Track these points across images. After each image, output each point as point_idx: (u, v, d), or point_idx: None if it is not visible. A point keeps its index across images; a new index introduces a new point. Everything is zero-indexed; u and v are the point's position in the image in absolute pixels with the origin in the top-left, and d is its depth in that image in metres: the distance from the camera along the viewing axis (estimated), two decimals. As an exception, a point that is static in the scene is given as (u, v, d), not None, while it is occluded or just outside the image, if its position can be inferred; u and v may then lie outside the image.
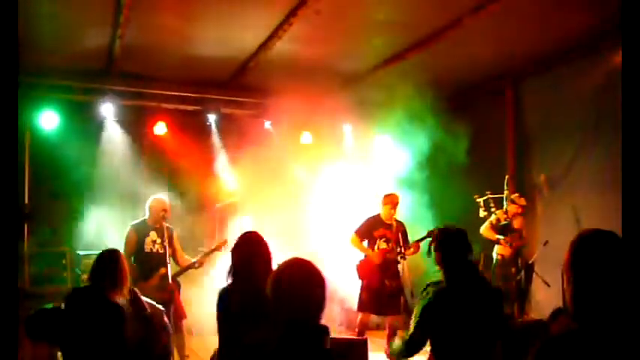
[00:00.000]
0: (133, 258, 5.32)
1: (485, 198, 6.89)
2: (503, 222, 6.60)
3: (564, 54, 6.60)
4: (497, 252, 6.58)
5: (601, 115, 6.34)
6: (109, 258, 3.61)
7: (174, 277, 5.27)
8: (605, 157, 6.25)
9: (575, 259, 1.67)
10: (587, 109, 6.52)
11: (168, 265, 5.11)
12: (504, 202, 6.75)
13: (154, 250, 5.34)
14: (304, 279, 1.98)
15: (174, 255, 5.41)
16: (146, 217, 5.46)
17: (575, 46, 6.37)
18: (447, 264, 3.15)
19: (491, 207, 6.80)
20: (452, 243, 3.16)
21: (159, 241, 5.35)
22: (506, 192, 6.85)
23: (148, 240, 5.36)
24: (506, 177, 7.08)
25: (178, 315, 5.25)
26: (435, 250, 3.22)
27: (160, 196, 5.54)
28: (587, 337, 1.57)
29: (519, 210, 6.58)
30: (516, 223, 6.58)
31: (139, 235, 5.37)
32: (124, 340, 3.34)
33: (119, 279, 3.55)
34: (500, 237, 6.52)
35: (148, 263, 5.28)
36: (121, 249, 5.36)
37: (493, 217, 6.66)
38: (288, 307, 1.94)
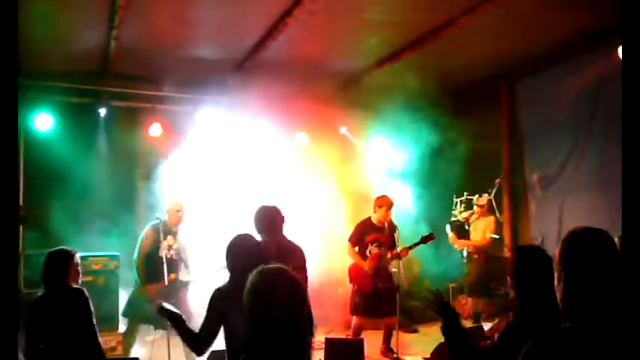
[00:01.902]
0: (145, 258, 5.35)
1: (462, 199, 7.14)
2: (463, 222, 7.13)
3: (559, 53, 6.64)
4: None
5: (595, 114, 6.38)
6: (60, 257, 3.61)
7: (185, 283, 5.36)
8: (598, 155, 6.29)
9: (566, 257, 1.67)
10: (581, 108, 6.56)
11: (180, 272, 5.20)
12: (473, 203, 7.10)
13: (168, 256, 5.35)
14: (277, 291, 1.91)
15: (186, 261, 5.52)
16: (165, 219, 5.48)
17: (569, 45, 6.41)
18: (522, 293, 2.57)
19: (460, 209, 7.13)
20: (530, 268, 2.56)
21: (175, 246, 5.39)
22: (486, 195, 7.03)
23: (164, 244, 5.37)
24: (497, 180, 7.25)
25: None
26: (511, 278, 2.62)
27: (175, 199, 5.61)
28: (578, 335, 1.57)
29: (478, 210, 6.98)
30: (472, 223, 7.10)
31: (155, 237, 5.37)
32: (92, 323, 3.47)
33: (72, 278, 3.58)
34: (450, 233, 7.12)
35: (160, 267, 5.27)
36: (119, 250, 5.41)
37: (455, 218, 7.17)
38: (261, 318, 1.89)
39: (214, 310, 3.13)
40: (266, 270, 1.99)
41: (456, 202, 7.41)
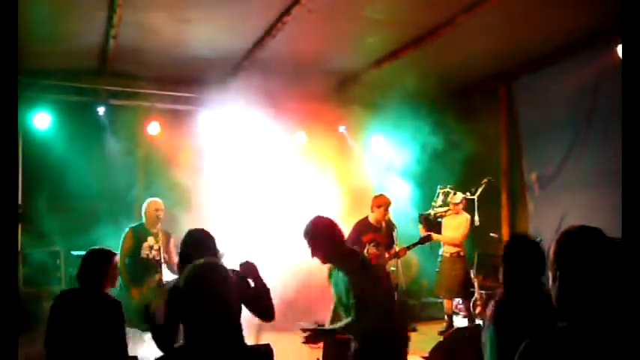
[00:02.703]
0: (127, 260, 5.32)
1: (445, 190, 7.10)
2: (433, 217, 7.04)
3: (558, 52, 6.65)
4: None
5: (594, 112, 6.38)
6: (99, 257, 3.53)
7: (168, 283, 5.31)
8: (597, 154, 6.29)
9: (561, 256, 1.65)
10: (580, 106, 6.56)
11: (163, 272, 5.16)
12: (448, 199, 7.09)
13: (150, 257, 5.33)
14: (207, 285, 2.06)
15: (169, 261, 5.42)
16: (143, 220, 5.46)
17: (569, 44, 6.41)
18: (509, 282, 2.60)
19: (440, 202, 7.11)
20: (520, 258, 2.59)
21: (156, 247, 5.36)
22: (460, 193, 7.01)
23: (145, 245, 5.36)
24: (484, 180, 7.23)
25: None
26: (502, 261, 2.63)
27: (153, 199, 5.57)
28: (574, 334, 1.56)
29: (452, 208, 6.93)
30: (444, 219, 7.01)
31: (136, 239, 5.36)
32: (123, 335, 3.40)
33: (109, 279, 3.51)
34: (419, 225, 6.97)
35: (143, 268, 5.27)
36: (117, 249, 5.38)
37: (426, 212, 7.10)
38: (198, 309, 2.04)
39: (174, 308, 3.17)
40: (201, 262, 2.16)
41: (438, 194, 7.28)
